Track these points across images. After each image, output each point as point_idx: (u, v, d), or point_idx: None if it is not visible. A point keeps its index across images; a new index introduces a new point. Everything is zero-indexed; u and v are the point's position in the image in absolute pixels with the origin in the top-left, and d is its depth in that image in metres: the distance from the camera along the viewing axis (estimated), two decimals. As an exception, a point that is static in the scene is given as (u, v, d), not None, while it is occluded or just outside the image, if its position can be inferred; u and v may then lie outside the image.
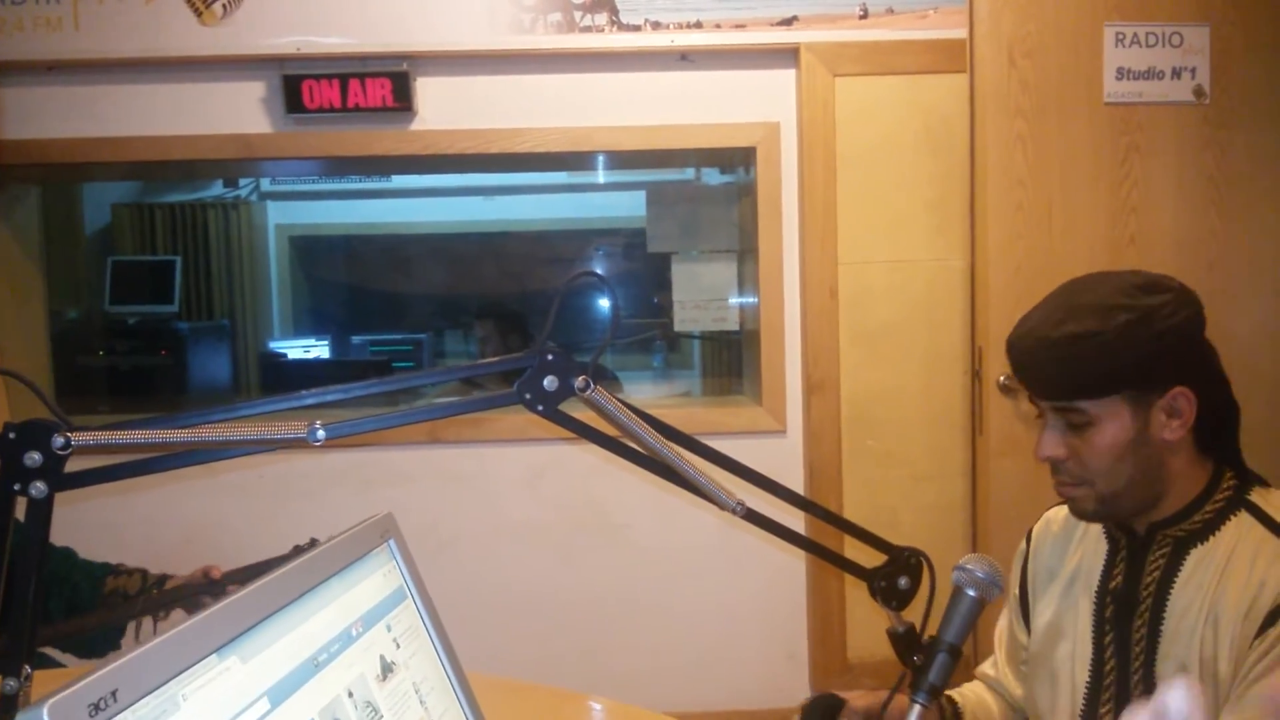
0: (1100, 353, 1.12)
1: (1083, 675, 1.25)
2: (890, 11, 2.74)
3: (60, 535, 1.99)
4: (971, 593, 1.05)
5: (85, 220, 4.69)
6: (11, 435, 0.84)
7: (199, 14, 2.67)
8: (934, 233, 2.80)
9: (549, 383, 0.93)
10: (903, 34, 2.74)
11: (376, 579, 0.99)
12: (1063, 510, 1.36)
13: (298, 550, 1.88)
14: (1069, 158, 2.40)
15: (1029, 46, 2.37)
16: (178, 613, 1.90)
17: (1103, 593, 1.25)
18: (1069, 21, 2.39)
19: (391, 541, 1.05)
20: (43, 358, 3.19)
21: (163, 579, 1.94)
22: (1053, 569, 1.34)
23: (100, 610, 1.86)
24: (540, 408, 0.94)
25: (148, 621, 1.88)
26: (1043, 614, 1.33)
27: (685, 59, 2.77)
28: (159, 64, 2.70)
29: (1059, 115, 2.39)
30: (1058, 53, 2.39)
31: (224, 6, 2.67)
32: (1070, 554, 1.32)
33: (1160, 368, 1.13)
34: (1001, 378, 2.39)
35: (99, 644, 1.93)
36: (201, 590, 1.86)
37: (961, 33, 2.49)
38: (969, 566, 1.05)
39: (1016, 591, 1.40)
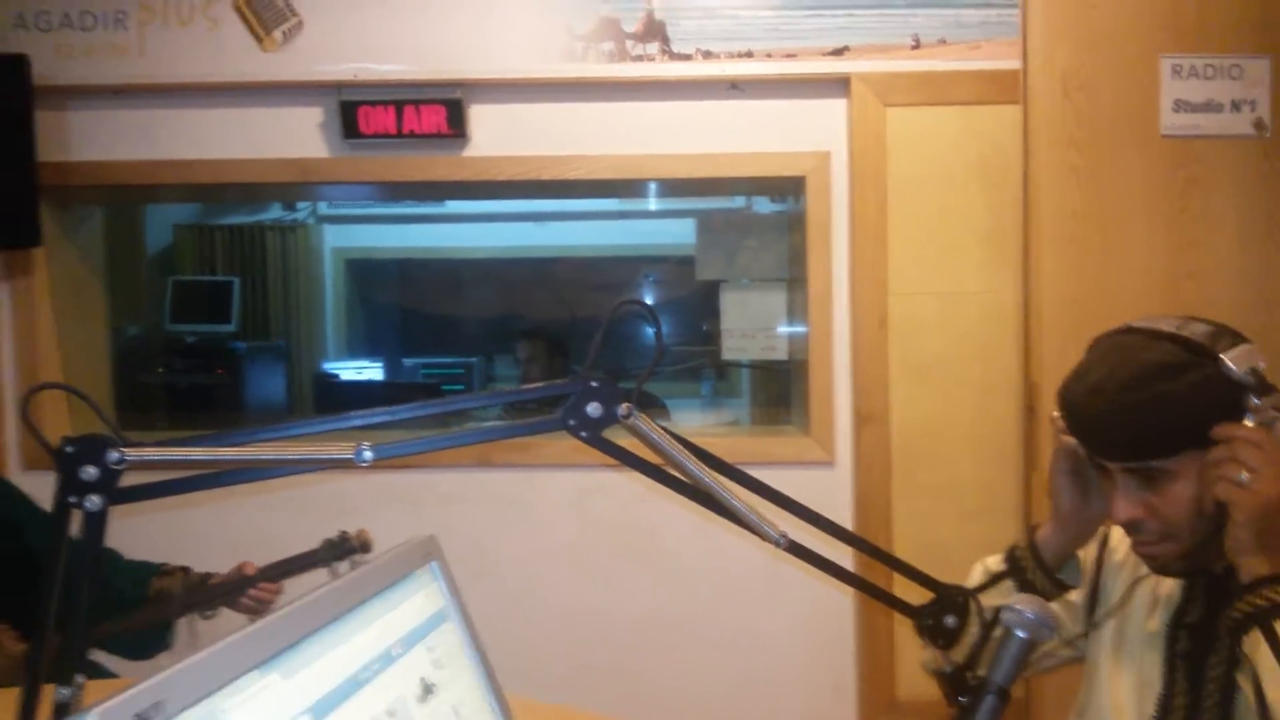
0: (1175, 413, 1.11)
1: (1149, 708, 1.22)
2: (943, 42, 2.73)
3: (113, 546, 2.04)
4: (1021, 634, 1.02)
5: (147, 240, 4.80)
6: (69, 449, 0.87)
7: (260, 40, 2.74)
8: (986, 264, 2.77)
9: (593, 409, 0.94)
10: (955, 65, 2.72)
11: (418, 600, 1.00)
12: None
13: (328, 544, 1.92)
14: (1125, 190, 2.37)
15: (1083, 78, 2.35)
16: (223, 619, 1.94)
17: (1175, 625, 1.22)
18: (1124, 54, 2.36)
19: (434, 563, 1.05)
20: (104, 374, 3.26)
21: (205, 577, 1.98)
22: (1133, 571, 1.31)
23: (143, 613, 1.90)
24: (584, 434, 0.94)
25: (194, 620, 1.93)
26: (1109, 603, 1.32)
27: (736, 88, 2.78)
28: (221, 89, 2.77)
29: (1114, 147, 2.36)
30: (1113, 85, 2.36)
31: (284, 33, 2.73)
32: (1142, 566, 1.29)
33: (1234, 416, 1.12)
34: (1056, 414, 2.35)
35: (147, 645, 1.97)
36: (238, 586, 1.90)
37: (1014, 64, 2.47)
38: (1019, 607, 1.03)
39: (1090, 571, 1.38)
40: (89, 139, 2.81)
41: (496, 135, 2.79)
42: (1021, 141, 2.42)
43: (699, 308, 5.08)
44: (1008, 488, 2.75)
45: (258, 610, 1.92)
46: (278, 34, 2.74)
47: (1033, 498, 2.45)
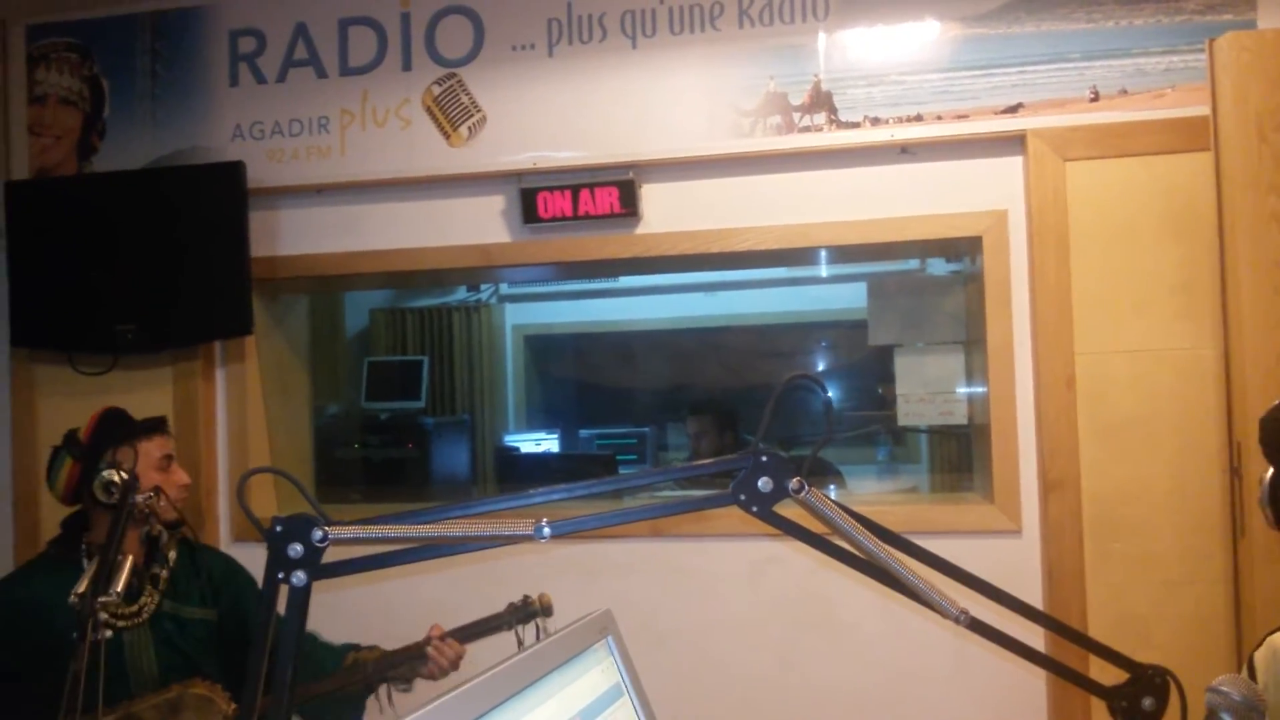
0: None
1: None
2: (1124, 92, 2.64)
3: (310, 618, 2.17)
4: (1226, 718, 0.96)
5: (346, 324, 5.13)
6: (278, 529, 0.94)
7: (448, 136, 2.93)
8: (1181, 319, 2.62)
9: (763, 484, 0.95)
10: (1138, 115, 2.62)
11: (594, 675, 1.02)
12: None
13: (511, 608, 2.00)
14: (1335, 236, 2.21)
15: (1281, 120, 2.22)
16: (416, 691, 2.02)
17: None
18: (1327, 92, 2.22)
19: (610, 638, 1.08)
20: (306, 450, 3.49)
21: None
22: None
23: (338, 675, 2.01)
24: (755, 509, 0.95)
25: (389, 692, 2.03)
26: None
27: (906, 152, 2.76)
28: (412, 183, 2.97)
29: (1320, 191, 2.21)
30: (1315, 125, 2.22)
31: (469, 129, 2.91)
32: None
33: None
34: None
35: (342, 713, 2.08)
36: (421, 646, 1.98)
37: (1203, 110, 2.36)
38: (1224, 689, 0.97)
39: None
40: (295, 234, 3.06)
41: (667, 212, 2.87)
42: (1214, 190, 2.30)
43: (873, 372, 4.99)
44: (1213, 557, 2.56)
45: (444, 666, 1.99)
46: (463, 129, 2.92)
47: (1242, 567, 2.27)
